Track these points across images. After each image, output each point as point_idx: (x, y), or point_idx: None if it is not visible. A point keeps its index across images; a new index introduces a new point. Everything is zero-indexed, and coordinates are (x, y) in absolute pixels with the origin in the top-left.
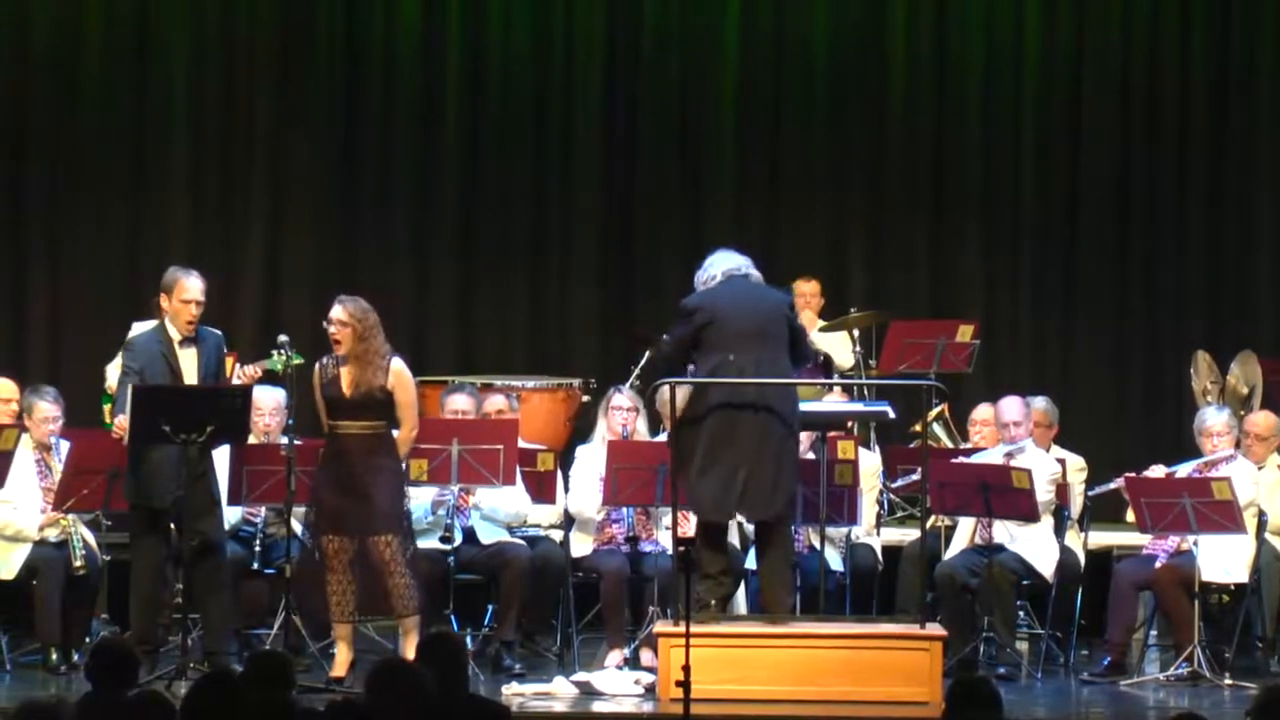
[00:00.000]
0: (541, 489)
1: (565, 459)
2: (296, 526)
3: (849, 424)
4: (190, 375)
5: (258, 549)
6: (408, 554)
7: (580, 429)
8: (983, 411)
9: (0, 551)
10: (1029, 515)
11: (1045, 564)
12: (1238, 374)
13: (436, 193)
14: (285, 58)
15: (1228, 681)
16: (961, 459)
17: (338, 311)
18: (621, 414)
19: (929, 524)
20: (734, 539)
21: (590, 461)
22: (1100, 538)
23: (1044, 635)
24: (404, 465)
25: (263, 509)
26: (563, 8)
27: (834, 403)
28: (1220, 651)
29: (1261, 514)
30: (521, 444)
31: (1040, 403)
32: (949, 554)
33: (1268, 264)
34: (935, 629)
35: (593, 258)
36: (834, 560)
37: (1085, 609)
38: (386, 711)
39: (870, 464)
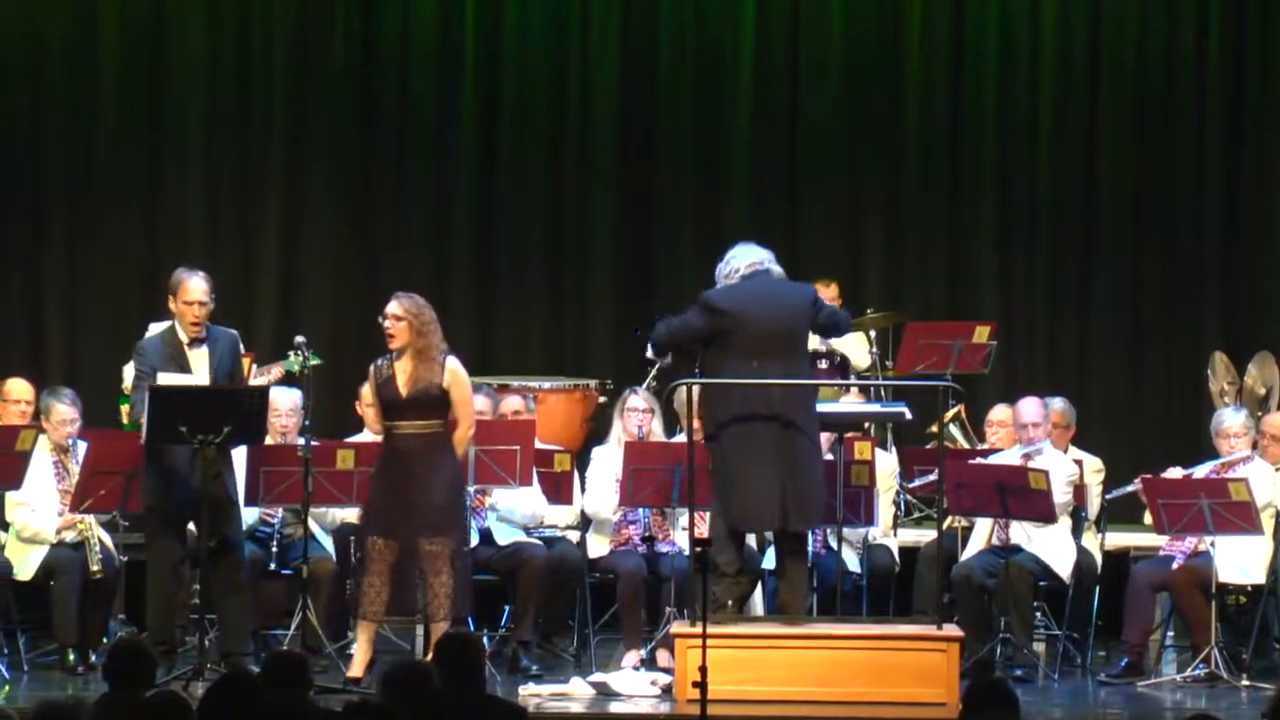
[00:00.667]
0: (558, 490)
1: (582, 460)
2: (314, 527)
3: (866, 425)
4: (201, 375)
5: (275, 550)
6: (461, 558)
7: (597, 430)
8: (999, 412)
9: (18, 553)
10: (1046, 516)
11: (1062, 565)
12: (1255, 375)
13: (453, 194)
14: (302, 57)
15: (1245, 683)
16: (978, 460)
17: (394, 306)
18: (637, 415)
19: (946, 525)
20: (750, 540)
21: (606, 462)
22: (1117, 539)
23: (1061, 636)
24: (461, 465)
25: (280, 510)
26: (579, 6)
27: (850, 404)
28: (1237, 652)
29: (1279, 514)
30: (538, 445)
31: (1058, 404)
32: (966, 555)
33: None
34: (952, 630)
35: (609, 258)
36: (851, 561)
37: (1102, 610)
38: (401, 712)
39: (887, 465)
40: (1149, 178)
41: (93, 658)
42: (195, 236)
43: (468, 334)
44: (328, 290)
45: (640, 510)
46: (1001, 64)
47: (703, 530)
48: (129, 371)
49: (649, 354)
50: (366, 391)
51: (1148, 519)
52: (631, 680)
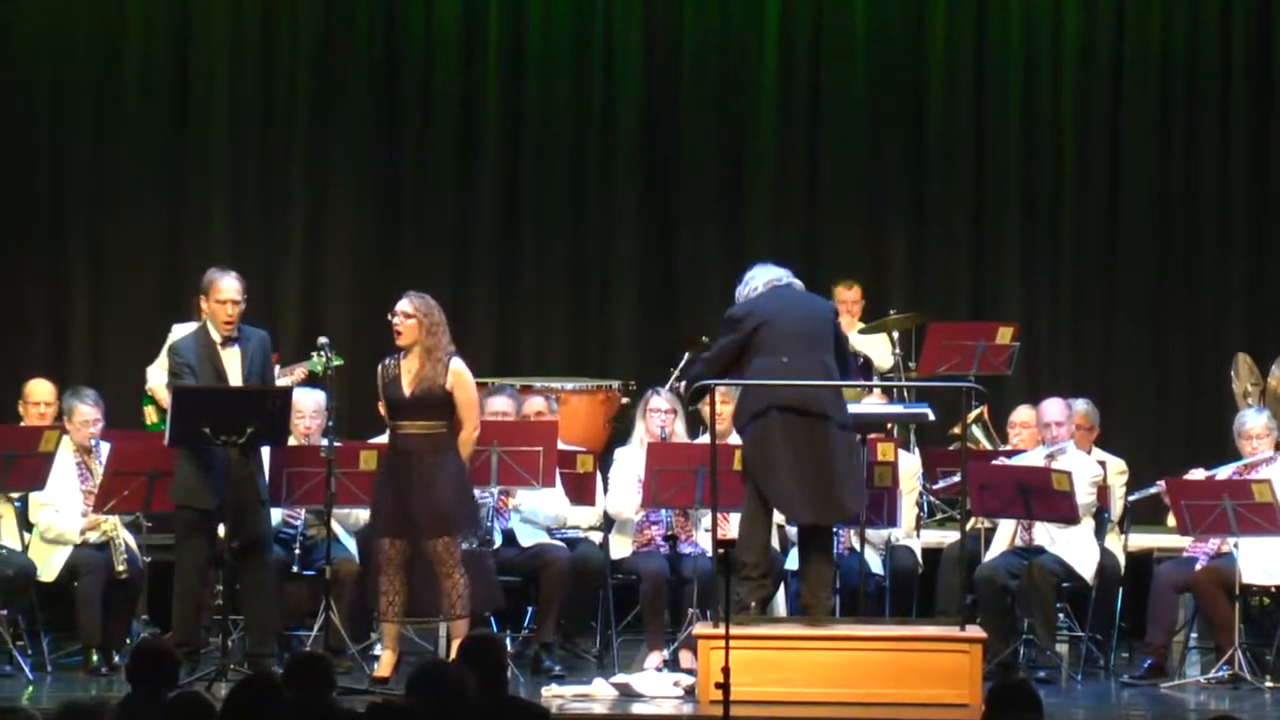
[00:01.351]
0: (581, 491)
1: (604, 461)
2: (337, 529)
3: (889, 426)
4: (235, 376)
5: (298, 551)
6: (475, 556)
7: (619, 431)
8: (1022, 413)
9: (41, 553)
10: (1069, 517)
11: (1085, 566)
12: (1278, 376)
13: (476, 195)
14: (325, 59)
15: (1269, 684)
16: (1001, 461)
17: (404, 304)
18: (660, 416)
19: (969, 526)
20: (774, 541)
21: (629, 463)
22: (1140, 540)
23: (1084, 638)
24: (465, 465)
25: (302, 511)
26: (603, 7)
27: (873, 404)
28: (1261, 654)
29: None
30: (561, 446)
31: (1082, 405)
32: (989, 556)
33: None
34: (975, 631)
35: (632, 260)
36: (874, 562)
37: (1125, 611)
38: (428, 713)
39: (910, 466)
40: (1173, 177)
41: (116, 658)
42: (218, 238)
43: (491, 335)
44: (351, 292)
45: (663, 511)
46: (1025, 64)
47: (725, 531)
48: (152, 373)
49: (690, 400)
50: None
51: (1171, 520)
52: (654, 681)
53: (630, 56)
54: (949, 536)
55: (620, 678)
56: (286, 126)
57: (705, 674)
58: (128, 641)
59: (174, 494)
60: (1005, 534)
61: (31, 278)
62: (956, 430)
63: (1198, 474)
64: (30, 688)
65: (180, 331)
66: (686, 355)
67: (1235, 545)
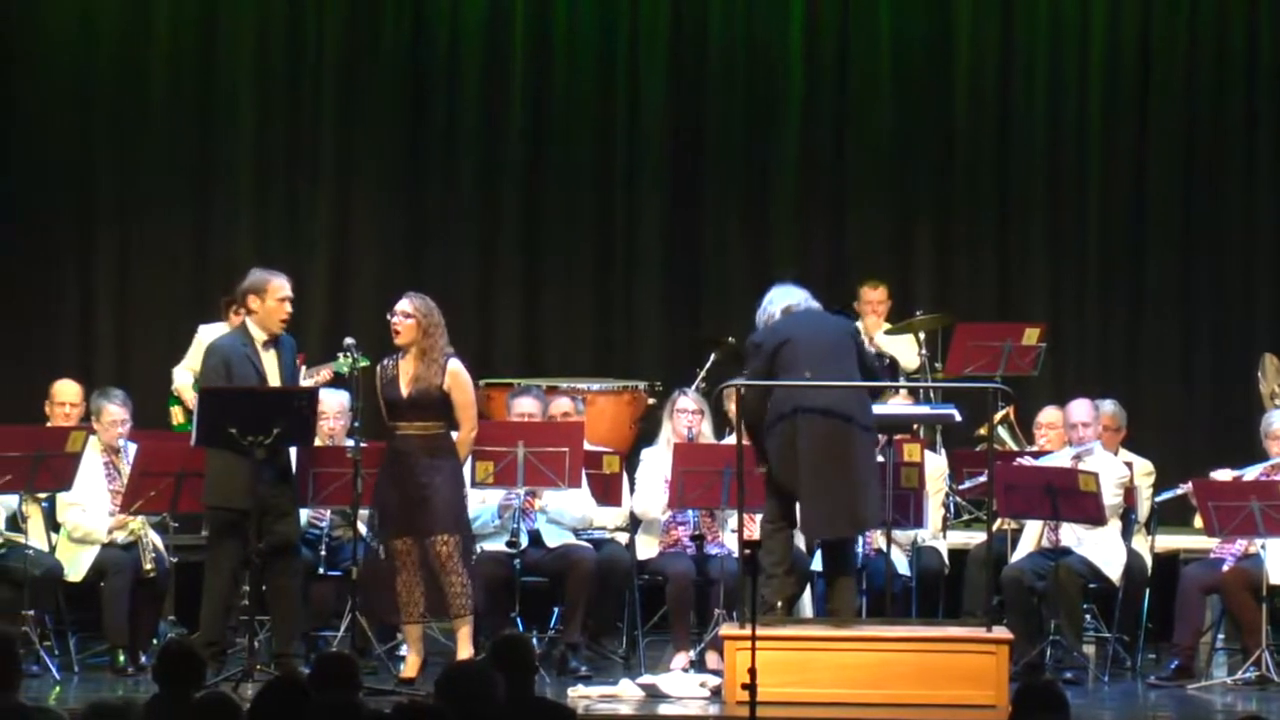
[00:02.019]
0: (607, 491)
1: (631, 461)
2: (363, 529)
3: (915, 427)
4: (274, 378)
5: (323, 552)
6: (469, 555)
7: (646, 431)
8: (1048, 414)
9: (69, 553)
10: (1096, 518)
11: (1112, 567)
12: None
13: (502, 196)
14: (351, 58)
15: None
16: (1028, 462)
17: (403, 304)
18: (687, 417)
19: (995, 527)
20: (800, 542)
21: (656, 464)
22: (1167, 541)
23: (1111, 639)
24: (464, 466)
25: (327, 512)
26: (629, 8)
27: (899, 405)
28: None
29: None
30: (587, 446)
31: (1109, 406)
32: (1015, 557)
33: None
34: (1002, 632)
35: (658, 260)
36: (900, 563)
37: (1152, 612)
38: (456, 714)
39: (936, 467)
40: (1199, 178)
41: (142, 659)
42: (244, 238)
43: (517, 336)
44: (376, 292)
45: (689, 512)
46: (1051, 65)
47: (752, 532)
48: (179, 374)
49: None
50: None
51: (1198, 521)
52: (680, 682)
53: (655, 57)
54: (975, 537)
55: (646, 678)
56: (312, 127)
57: (731, 675)
58: (154, 642)
59: (207, 496)
60: (1032, 535)
61: (59, 279)
62: (983, 431)
63: (1225, 475)
64: (57, 688)
65: (207, 332)
66: (713, 356)
67: (1262, 546)
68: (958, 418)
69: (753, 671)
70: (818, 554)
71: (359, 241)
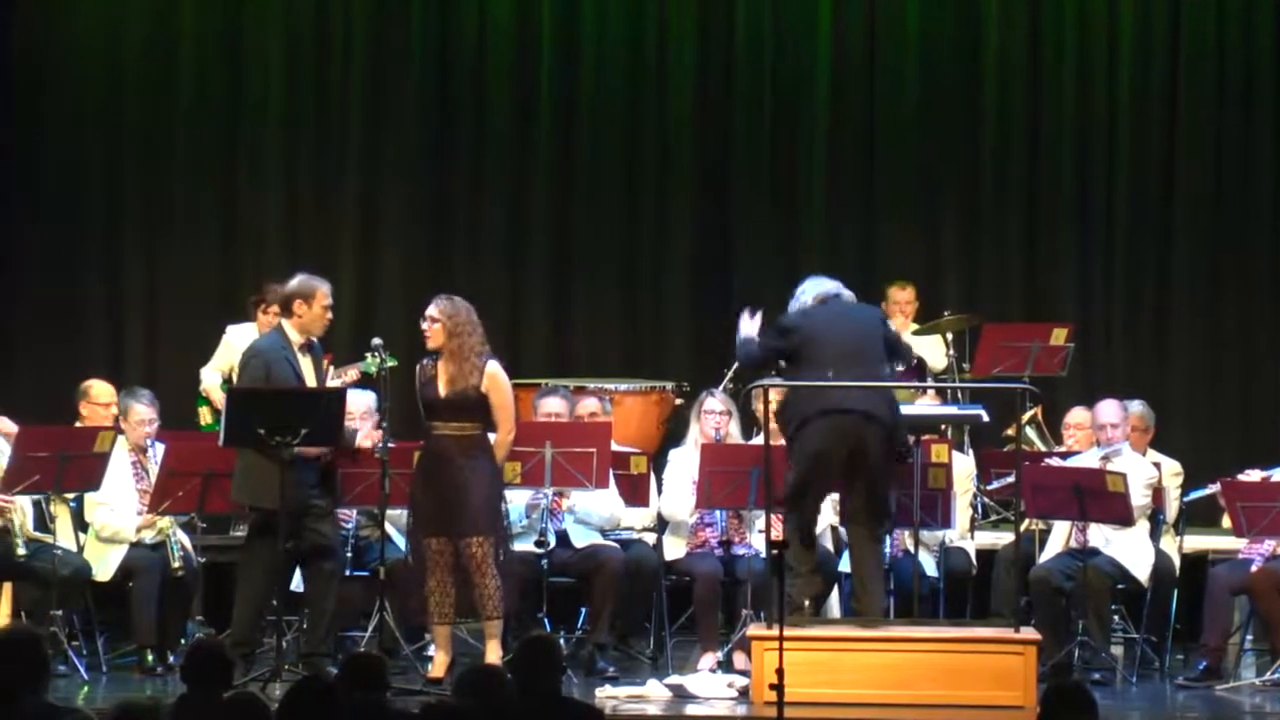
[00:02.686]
0: (635, 492)
1: (658, 462)
2: (391, 529)
3: (943, 427)
4: (310, 380)
5: (351, 552)
6: (500, 557)
7: (673, 432)
8: (1077, 415)
9: (97, 553)
10: (1124, 519)
11: (1140, 568)
12: None
13: (530, 196)
14: (378, 60)
15: None
16: (1056, 462)
17: (430, 308)
18: (714, 417)
19: (1023, 527)
20: (827, 542)
21: (683, 465)
22: (1195, 541)
23: (1139, 639)
24: (501, 468)
25: (354, 512)
26: (656, 10)
27: (927, 406)
28: None
29: None
30: (615, 447)
31: (1137, 406)
32: (1044, 558)
33: None
34: (1030, 633)
35: (686, 261)
36: (928, 564)
37: (1181, 613)
38: (477, 714)
39: (964, 467)
40: (1227, 176)
41: (171, 658)
42: (272, 240)
43: (545, 336)
44: (404, 293)
45: (717, 512)
46: (1079, 64)
47: (779, 532)
48: (206, 374)
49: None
50: None
51: (1226, 522)
52: (708, 683)
53: (684, 58)
54: (1003, 538)
55: (674, 679)
56: (341, 128)
57: (759, 675)
58: (183, 642)
59: (243, 495)
60: (1060, 536)
61: (87, 280)
62: (1011, 432)
63: (1253, 475)
64: (85, 688)
65: (235, 333)
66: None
67: None
68: (986, 418)
69: (780, 672)
70: (845, 555)
71: (386, 242)
